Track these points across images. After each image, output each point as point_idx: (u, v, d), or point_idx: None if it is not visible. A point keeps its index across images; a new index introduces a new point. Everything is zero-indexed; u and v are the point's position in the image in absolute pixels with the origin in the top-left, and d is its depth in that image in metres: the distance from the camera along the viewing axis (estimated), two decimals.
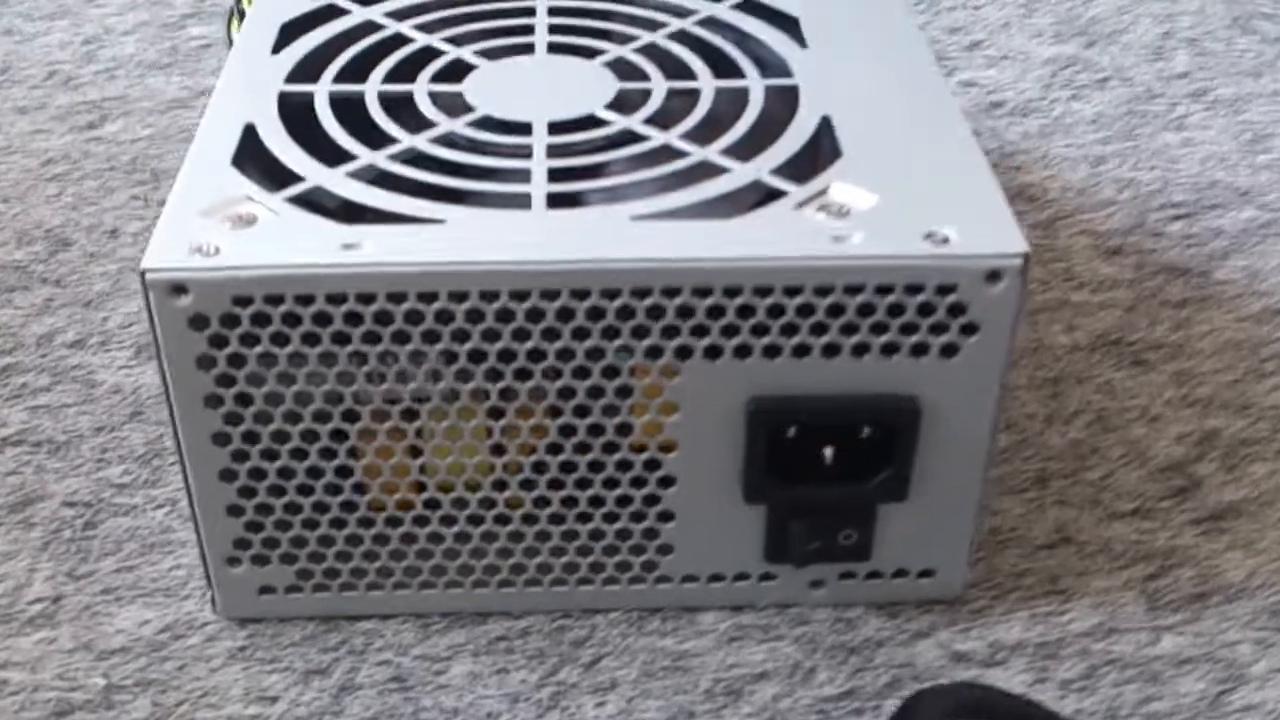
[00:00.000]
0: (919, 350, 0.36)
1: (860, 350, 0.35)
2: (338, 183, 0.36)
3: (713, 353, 0.35)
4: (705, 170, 0.38)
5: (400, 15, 0.45)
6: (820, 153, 0.39)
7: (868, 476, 0.37)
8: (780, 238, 0.35)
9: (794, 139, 0.38)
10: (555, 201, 0.36)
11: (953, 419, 0.36)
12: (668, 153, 0.38)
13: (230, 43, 0.56)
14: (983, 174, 0.37)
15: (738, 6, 0.46)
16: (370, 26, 0.44)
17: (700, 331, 0.35)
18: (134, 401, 0.47)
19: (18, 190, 0.56)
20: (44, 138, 0.59)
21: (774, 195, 0.36)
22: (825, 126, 0.39)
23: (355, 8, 0.45)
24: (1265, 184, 0.60)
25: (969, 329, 0.35)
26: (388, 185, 0.36)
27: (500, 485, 0.37)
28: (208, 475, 0.35)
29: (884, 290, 0.35)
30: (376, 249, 0.34)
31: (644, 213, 0.35)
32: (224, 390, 0.34)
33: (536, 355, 0.35)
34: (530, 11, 0.45)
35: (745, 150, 0.38)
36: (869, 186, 0.37)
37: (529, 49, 0.43)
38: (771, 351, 0.35)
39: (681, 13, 0.46)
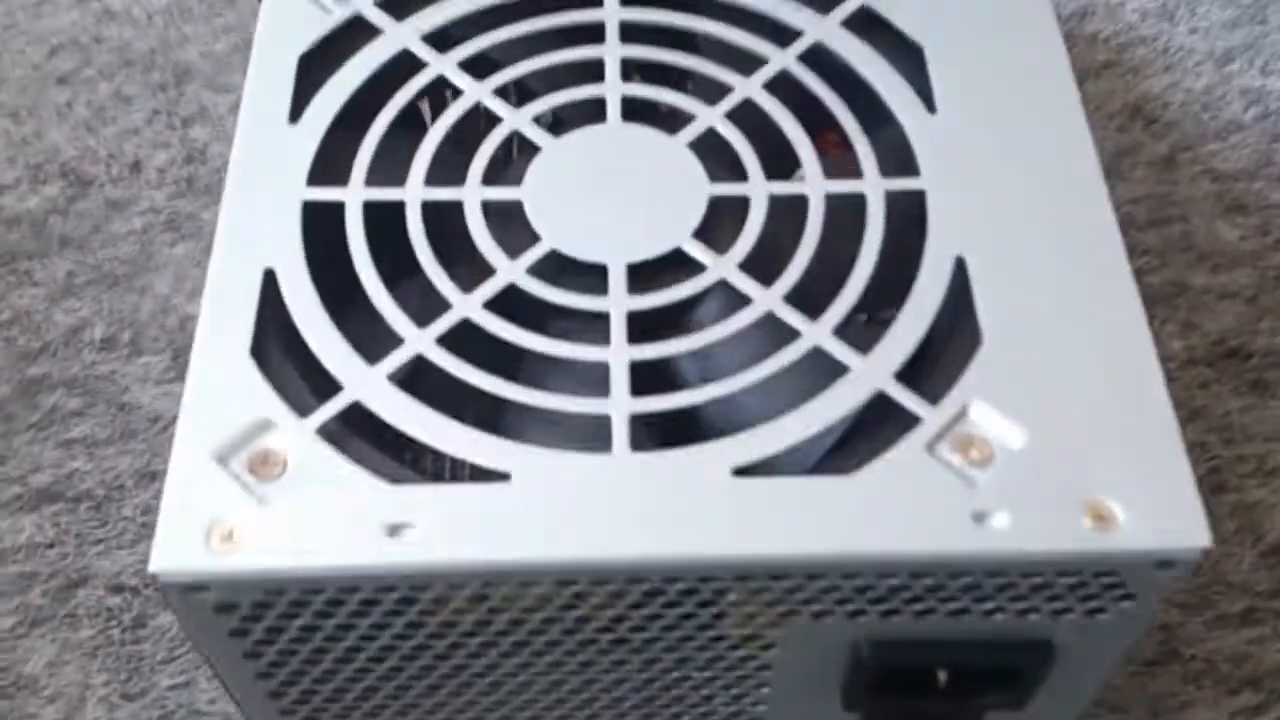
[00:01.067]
0: (1062, 612, 0.34)
1: (994, 612, 0.34)
2: (378, 396, 0.32)
3: (820, 615, 0.33)
4: (816, 358, 0.34)
5: (442, 40, 0.39)
6: (951, 325, 0.35)
7: (982, 694, 0.36)
8: (911, 510, 0.31)
9: (922, 312, 0.34)
10: (639, 431, 0.33)
11: (1083, 654, 0.35)
12: (770, 323, 0.34)
13: None
14: (1158, 394, 0.34)
15: (851, 21, 0.40)
16: (407, 63, 0.39)
17: (809, 602, 0.33)
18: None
19: (26, 98, 0.51)
20: (50, 13, 0.54)
21: (899, 414, 0.33)
22: (959, 273, 0.35)
23: (387, 24, 0.39)
24: None
25: (1125, 598, 0.33)
26: (437, 393, 0.33)
27: None
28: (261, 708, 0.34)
29: (1031, 575, 0.33)
30: (429, 531, 0.31)
31: (747, 462, 0.32)
32: (267, 670, 0.33)
33: (618, 639, 0.33)
34: (598, 30, 0.40)
35: (865, 316, 0.35)
36: (1015, 409, 0.33)
37: (599, 109, 0.38)
38: (889, 614, 0.33)
39: (783, 33, 0.40)
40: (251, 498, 0.29)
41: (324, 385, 0.31)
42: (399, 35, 0.37)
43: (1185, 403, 0.48)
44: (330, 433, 0.30)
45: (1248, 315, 0.50)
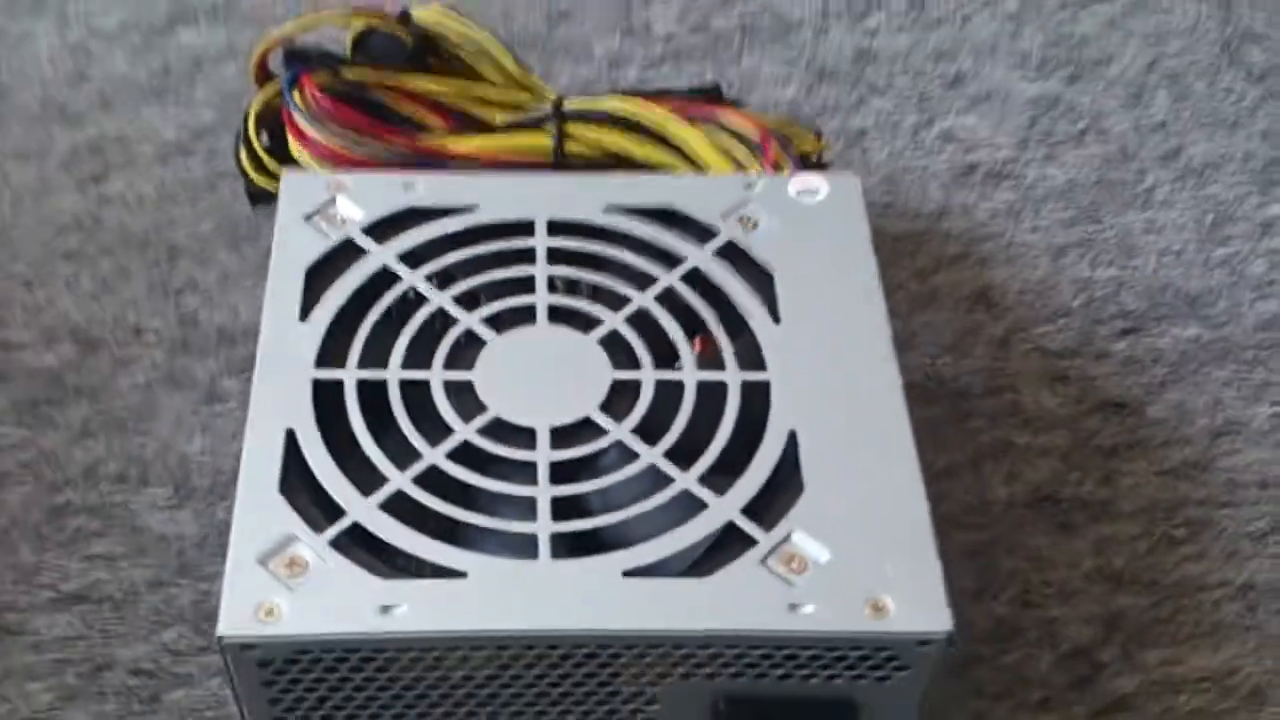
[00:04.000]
0: (859, 677, 0.53)
1: (809, 676, 0.53)
2: (372, 519, 0.51)
3: (686, 675, 0.52)
4: (686, 497, 0.53)
5: (413, 259, 0.59)
6: (784, 479, 0.54)
7: None
8: (747, 603, 0.50)
9: (763, 466, 0.54)
10: (558, 545, 0.52)
11: (884, 712, 0.54)
12: (653, 472, 0.54)
13: (241, 171, 0.72)
14: (923, 530, 0.52)
15: (720, 251, 0.61)
16: (386, 277, 0.59)
17: (677, 665, 0.51)
18: (179, 552, 0.65)
19: (37, 270, 0.72)
20: (55, 197, 0.75)
21: (742, 537, 0.52)
22: (791, 442, 0.54)
23: (372, 246, 0.59)
24: (1215, 287, 0.78)
25: (900, 668, 0.53)
26: (414, 518, 0.52)
27: None
28: None
29: (833, 649, 0.52)
30: (410, 610, 0.49)
31: (633, 567, 0.51)
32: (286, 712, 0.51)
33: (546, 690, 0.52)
34: (530, 254, 0.59)
35: (724, 469, 0.54)
36: (823, 535, 0.52)
37: (531, 313, 0.58)
38: (736, 675, 0.52)
39: (670, 259, 0.60)
40: (284, 588, 0.50)
41: (333, 512, 0.52)
42: (380, 255, 0.57)
43: (1005, 537, 0.69)
44: (339, 544, 0.50)
45: (1061, 469, 0.72)
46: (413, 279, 0.58)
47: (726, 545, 0.51)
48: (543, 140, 0.64)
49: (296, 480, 0.52)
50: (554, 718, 0.52)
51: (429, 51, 0.67)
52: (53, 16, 0.83)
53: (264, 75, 0.69)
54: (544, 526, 0.52)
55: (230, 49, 0.81)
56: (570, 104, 0.66)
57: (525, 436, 0.54)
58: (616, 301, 0.58)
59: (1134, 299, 0.74)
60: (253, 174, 0.69)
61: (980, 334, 0.72)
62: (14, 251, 0.71)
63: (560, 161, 0.63)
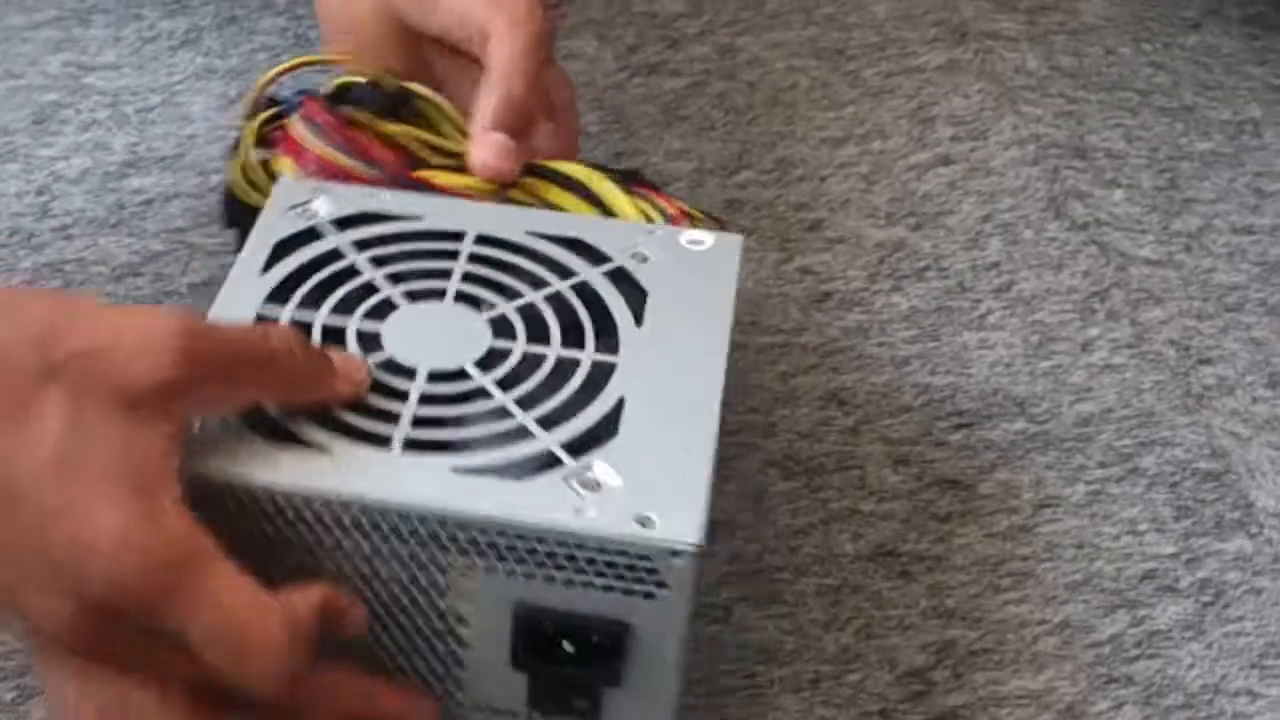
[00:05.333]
0: (629, 592, 0.61)
1: (588, 584, 0.61)
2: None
3: (491, 569, 0.61)
4: (522, 429, 0.63)
5: (360, 245, 0.71)
6: (603, 429, 0.63)
7: (592, 665, 0.63)
8: (539, 503, 0.60)
9: (588, 418, 0.64)
10: (409, 445, 0.62)
11: (654, 639, 0.62)
12: (503, 412, 0.64)
13: (226, 195, 0.79)
14: (701, 474, 0.62)
15: (610, 274, 0.71)
16: (335, 255, 0.70)
17: (478, 552, 0.61)
18: None
19: None
20: None
21: (555, 462, 0.62)
22: (617, 407, 0.64)
23: (331, 233, 0.71)
24: (1040, 392, 0.88)
25: (662, 585, 0.61)
26: (311, 416, 0.62)
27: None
28: None
29: (604, 551, 0.60)
30: (284, 468, 0.60)
31: (462, 466, 0.61)
32: None
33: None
34: (454, 254, 0.71)
35: (558, 416, 0.64)
36: (621, 469, 0.62)
37: (441, 293, 0.69)
38: (529, 575, 0.61)
39: (565, 273, 0.71)
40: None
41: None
42: (336, 239, 0.70)
43: (850, 582, 0.78)
44: (249, 422, 0.61)
45: (901, 530, 0.81)
46: (355, 257, 0.70)
47: (542, 468, 0.60)
48: (487, 186, 0.76)
49: None
50: (386, 598, 0.62)
51: (401, 105, 0.78)
52: (21, 162, 0.94)
53: (259, 108, 0.79)
54: (402, 430, 0.62)
55: (176, 191, 0.92)
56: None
57: (408, 373, 0.65)
58: (512, 296, 0.69)
59: (968, 400, 0.84)
60: (243, 186, 0.78)
61: (832, 425, 0.82)
62: None
63: (504, 201, 0.75)
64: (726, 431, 0.76)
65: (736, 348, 0.79)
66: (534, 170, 0.78)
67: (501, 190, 0.77)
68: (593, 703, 0.64)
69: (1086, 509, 0.80)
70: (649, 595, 0.60)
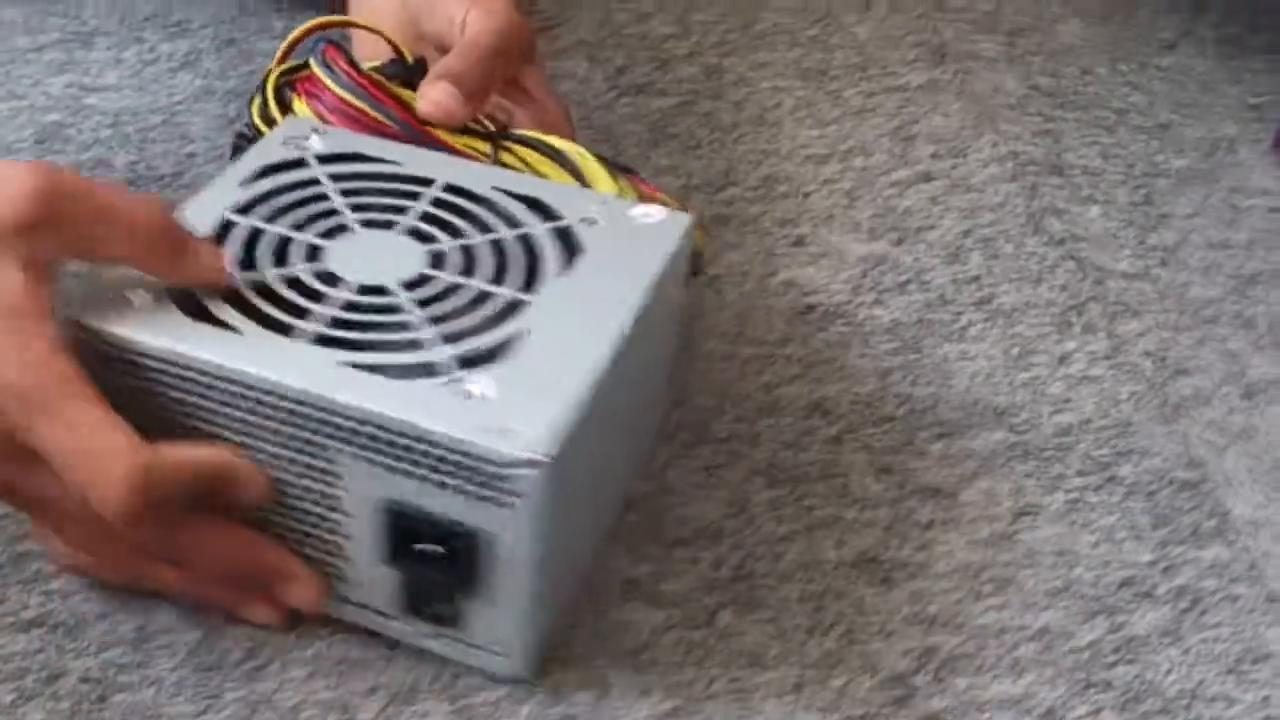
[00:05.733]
0: (487, 499, 0.62)
1: (452, 489, 0.62)
2: (211, 298, 0.65)
3: (368, 462, 0.63)
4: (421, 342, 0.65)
5: (337, 177, 0.74)
6: (499, 351, 0.65)
7: (453, 571, 0.65)
8: (410, 401, 0.62)
9: (488, 340, 0.66)
10: (319, 340, 0.64)
11: (510, 550, 0.63)
12: (410, 325, 0.66)
13: (249, 129, 0.81)
14: (573, 402, 0.63)
15: (555, 231, 0.73)
16: (311, 181, 0.73)
17: (351, 442, 0.62)
18: (123, 590, 0.74)
19: None
20: None
21: (444, 371, 0.63)
22: (518, 336, 0.66)
23: (315, 164, 0.75)
24: (1019, 403, 0.89)
25: (516, 495, 0.61)
26: (237, 301, 0.65)
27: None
28: None
29: (467, 455, 0.61)
30: (194, 343, 0.63)
31: (356, 361, 0.63)
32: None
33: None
34: (418, 195, 0.74)
35: (458, 335, 0.66)
36: (502, 384, 0.63)
37: (391, 225, 0.72)
38: (401, 473, 0.62)
39: (514, 224, 0.73)
40: (130, 307, 0.63)
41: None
42: (317, 170, 0.73)
43: (836, 589, 0.79)
44: (176, 297, 0.64)
45: (883, 538, 0.82)
46: (327, 186, 0.73)
47: (429, 375, 0.62)
48: (483, 146, 0.79)
49: None
50: (278, 481, 0.65)
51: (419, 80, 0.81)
52: None
53: (285, 59, 0.82)
54: (314, 326, 0.65)
55: None
56: (514, 131, 0.81)
57: (337, 281, 0.68)
58: (457, 236, 0.72)
59: (949, 411, 0.84)
60: (262, 127, 0.80)
61: (816, 434, 0.82)
62: None
63: (494, 163, 0.78)
64: (713, 440, 0.77)
65: (724, 358, 0.80)
66: (526, 141, 0.80)
67: (495, 153, 0.79)
68: (455, 610, 0.66)
69: (1066, 517, 0.80)
70: (505, 505, 0.62)
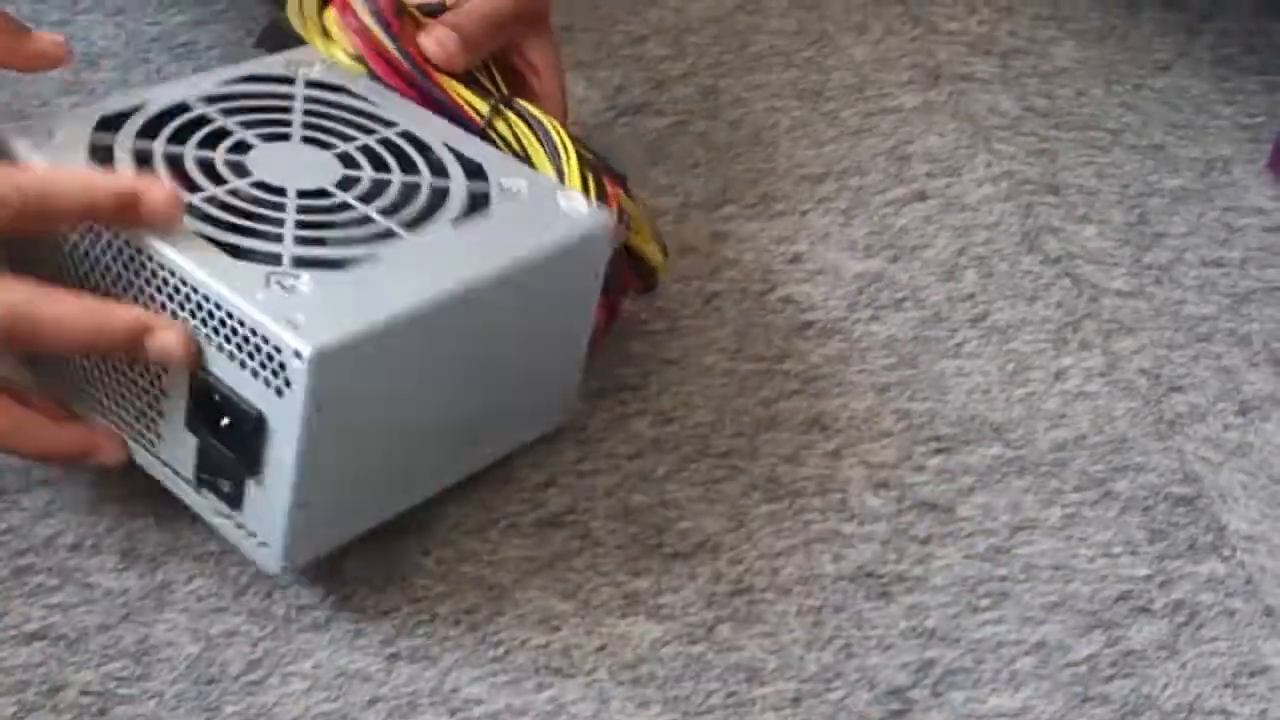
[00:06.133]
0: (268, 384, 0.64)
1: (244, 365, 0.64)
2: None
3: (183, 320, 0.65)
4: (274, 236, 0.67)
5: (310, 100, 0.76)
6: (340, 266, 0.67)
7: (236, 447, 0.66)
8: (233, 276, 0.64)
9: (342, 253, 0.68)
10: (190, 209, 0.66)
11: (279, 438, 0.65)
12: (279, 224, 0.67)
13: (283, 14, 0.82)
14: (371, 321, 0.64)
15: (472, 191, 0.75)
16: (285, 95, 0.76)
17: (174, 300, 0.65)
18: (124, 604, 0.74)
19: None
20: None
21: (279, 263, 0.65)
22: (367, 261, 0.68)
23: (299, 87, 0.77)
24: (1016, 418, 0.89)
25: (288, 384, 0.63)
26: (144, 164, 0.68)
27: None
28: None
29: (250, 331, 0.63)
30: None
31: (205, 233, 0.66)
32: None
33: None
34: (372, 133, 0.76)
35: (315, 243, 0.68)
36: (320, 287, 0.65)
37: (330, 147, 0.74)
38: (204, 336, 0.65)
39: (440, 174, 0.75)
40: None
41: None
42: (297, 89, 0.78)
43: (834, 603, 0.78)
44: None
45: (881, 551, 0.82)
46: (296, 102, 0.76)
47: (267, 263, 0.65)
48: (482, 106, 0.80)
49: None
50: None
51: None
52: None
53: None
54: (191, 198, 0.68)
55: None
56: (519, 103, 0.81)
57: (244, 174, 0.70)
58: (381, 171, 0.73)
59: (946, 426, 0.85)
60: (294, 21, 0.82)
61: (814, 449, 0.82)
62: None
63: (487, 124, 0.79)
64: (712, 454, 0.77)
65: (723, 374, 0.80)
66: (524, 116, 0.81)
67: (490, 116, 0.80)
68: (236, 489, 0.67)
69: (1062, 532, 0.80)
70: (279, 391, 0.63)
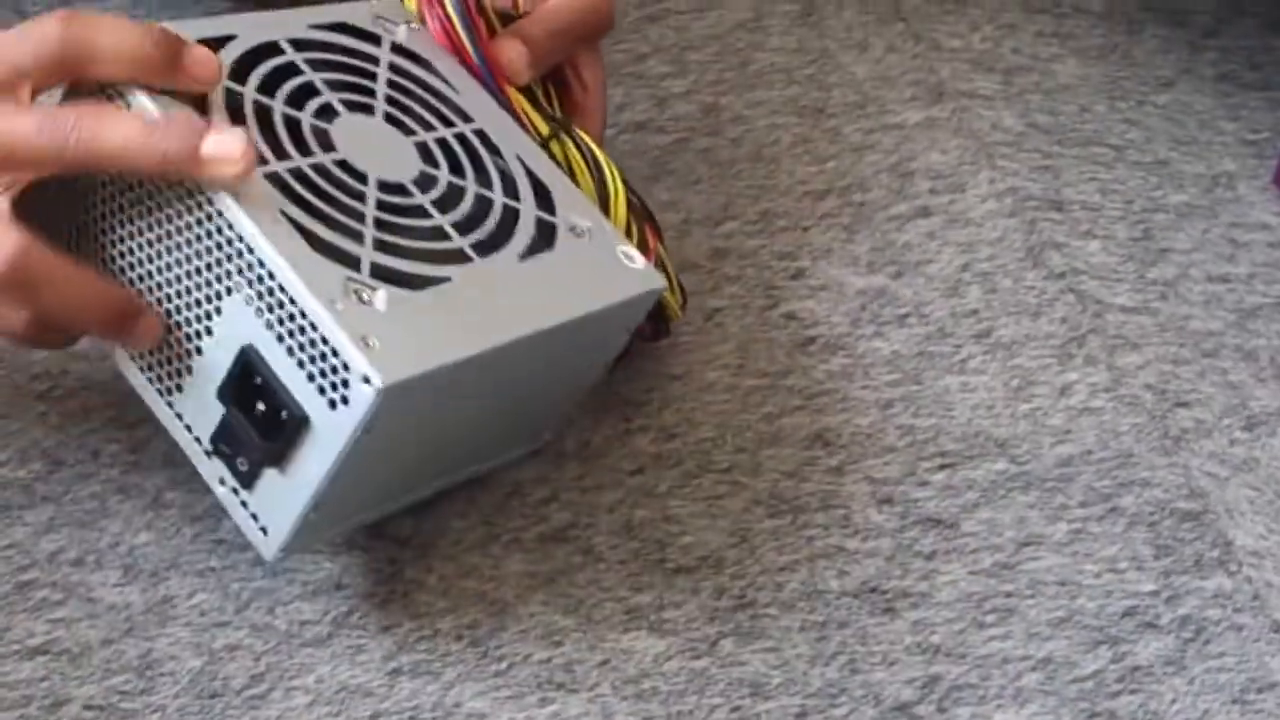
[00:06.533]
0: (323, 391, 0.64)
1: (299, 361, 0.64)
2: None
3: (251, 297, 0.64)
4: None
5: (395, 68, 0.76)
6: (416, 283, 0.67)
7: (268, 436, 0.66)
8: (313, 274, 0.63)
9: (418, 269, 0.68)
10: (275, 179, 0.66)
11: (320, 447, 0.65)
12: (361, 218, 0.67)
13: None
14: (444, 360, 0.64)
15: (540, 220, 0.75)
16: (371, 58, 0.75)
17: (246, 275, 0.64)
18: (126, 618, 0.74)
19: (13, 408, 0.82)
20: (29, 354, 0.85)
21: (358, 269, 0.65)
22: (442, 282, 0.68)
23: (384, 50, 0.76)
24: (1020, 434, 0.89)
25: (346, 401, 0.63)
26: (237, 116, 0.67)
27: None
28: None
29: (322, 339, 0.63)
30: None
31: (289, 213, 0.65)
32: None
33: None
34: (451, 124, 0.76)
35: (394, 251, 0.68)
36: (394, 306, 0.65)
37: (410, 133, 0.74)
38: (267, 321, 0.64)
39: (513, 195, 0.75)
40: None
41: None
42: (382, 53, 0.77)
43: (838, 619, 0.79)
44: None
45: (885, 567, 0.82)
46: (381, 70, 0.75)
47: (347, 265, 0.65)
48: (543, 126, 0.80)
49: None
50: (165, 270, 0.67)
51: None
52: None
53: None
54: (277, 166, 0.67)
55: None
56: (577, 132, 0.82)
57: (329, 148, 0.69)
58: (457, 175, 0.74)
59: (951, 441, 0.85)
60: None
61: (817, 465, 0.82)
62: None
63: (542, 145, 0.80)
64: (715, 470, 0.77)
65: (725, 389, 0.80)
66: (580, 146, 0.81)
67: (547, 139, 0.80)
68: (252, 470, 0.67)
69: (1068, 547, 0.80)
70: (333, 405, 0.63)
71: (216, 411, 0.65)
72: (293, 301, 0.62)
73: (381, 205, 0.67)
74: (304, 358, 0.62)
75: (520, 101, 0.81)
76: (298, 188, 0.65)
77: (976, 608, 0.77)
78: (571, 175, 0.79)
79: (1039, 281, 0.97)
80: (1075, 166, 1.06)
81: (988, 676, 0.74)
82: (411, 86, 0.74)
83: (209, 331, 0.64)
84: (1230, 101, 1.13)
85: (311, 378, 0.62)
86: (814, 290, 0.94)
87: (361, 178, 0.67)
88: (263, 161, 0.64)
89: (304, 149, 0.67)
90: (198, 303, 0.65)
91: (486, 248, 0.69)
